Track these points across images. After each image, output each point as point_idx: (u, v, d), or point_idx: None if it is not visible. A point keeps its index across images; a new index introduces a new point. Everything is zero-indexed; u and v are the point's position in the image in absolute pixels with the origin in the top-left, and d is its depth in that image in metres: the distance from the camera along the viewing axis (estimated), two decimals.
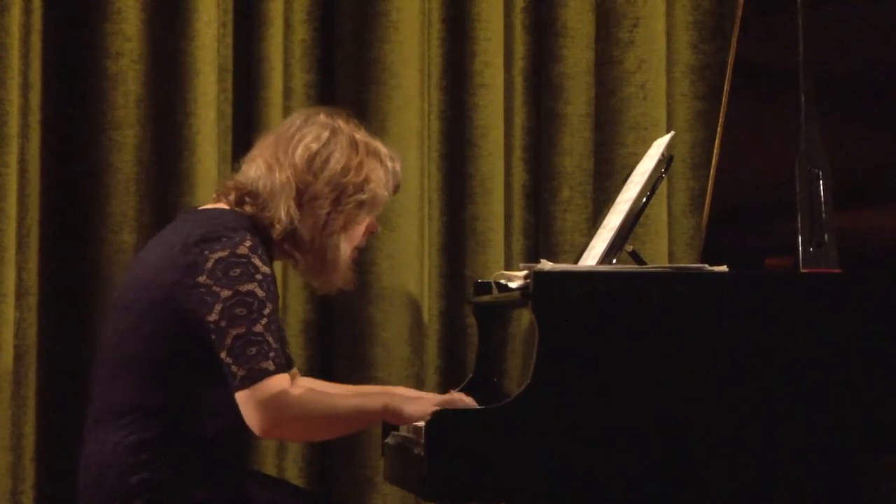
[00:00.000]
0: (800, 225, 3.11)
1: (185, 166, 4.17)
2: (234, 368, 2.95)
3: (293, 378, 3.42)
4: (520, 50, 4.51)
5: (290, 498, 3.25)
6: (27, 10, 4.13)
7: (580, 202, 4.47)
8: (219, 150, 4.23)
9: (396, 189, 3.29)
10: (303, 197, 3.15)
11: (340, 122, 3.21)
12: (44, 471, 4.12)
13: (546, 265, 3.11)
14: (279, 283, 3.47)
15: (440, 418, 2.95)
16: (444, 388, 4.17)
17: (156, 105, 4.20)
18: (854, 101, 3.61)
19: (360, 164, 3.18)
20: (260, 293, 2.98)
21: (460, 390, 3.61)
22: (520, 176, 4.50)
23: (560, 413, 2.97)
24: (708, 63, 4.57)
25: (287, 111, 4.26)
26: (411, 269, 4.32)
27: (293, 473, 4.27)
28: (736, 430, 3.02)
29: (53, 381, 4.14)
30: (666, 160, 3.40)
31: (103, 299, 4.08)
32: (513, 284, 3.26)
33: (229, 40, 4.30)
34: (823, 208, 3.10)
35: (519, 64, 4.51)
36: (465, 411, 3.03)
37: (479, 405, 3.13)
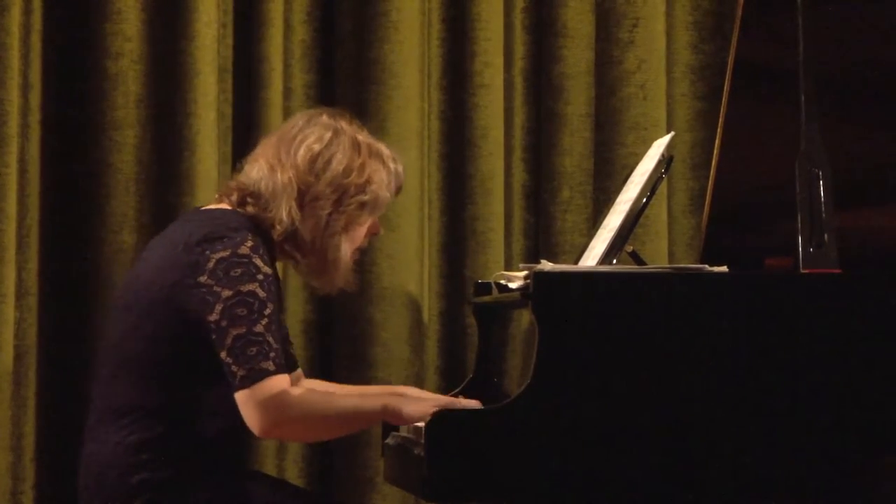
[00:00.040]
0: (800, 225, 3.11)
1: (185, 167, 4.17)
2: (234, 368, 2.95)
3: (297, 379, 3.42)
4: (520, 50, 4.51)
5: (290, 498, 3.25)
6: (27, 10, 4.13)
7: (580, 202, 4.47)
8: (219, 151, 4.23)
9: (398, 190, 3.29)
10: (304, 198, 3.15)
11: (343, 124, 3.21)
12: (44, 471, 4.12)
13: (546, 265, 3.11)
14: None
15: (440, 418, 2.95)
16: (444, 389, 4.17)
17: (156, 105, 4.20)
18: (854, 101, 3.61)
19: (363, 166, 3.18)
20: (261, 293, 2.98)
21: (460, 390, 3.62)
22: (520, 176, 4.51)
23: (560, 413, 2.97)
24: (708, 63, 4.57)
25: (287, 111, 4.26)
26: (411, 270, 4.32)
27: (293, 473, 4.27)
28: (736, 431, 3.02)
29: (53, 381, 4.14)
30: (666, 160, 3.40)
31: (103, 299, 4.08)
32: (513, 285, 3.26)
33: (229, 41, 4.30)
34: (823, 208, 3.10)
35: (519, 64, 4.51)
36: (465, 411, 3.03)
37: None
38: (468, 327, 4.33)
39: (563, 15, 4.48)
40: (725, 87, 3.62)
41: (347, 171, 3.17)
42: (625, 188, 3.45)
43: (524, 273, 3.12)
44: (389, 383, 4.12)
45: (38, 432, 4.11)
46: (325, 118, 3.22)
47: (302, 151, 3.16)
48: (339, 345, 4.32)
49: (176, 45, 4.19)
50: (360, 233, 3.23)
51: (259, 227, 3.11)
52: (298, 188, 3.14)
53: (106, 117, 4.17)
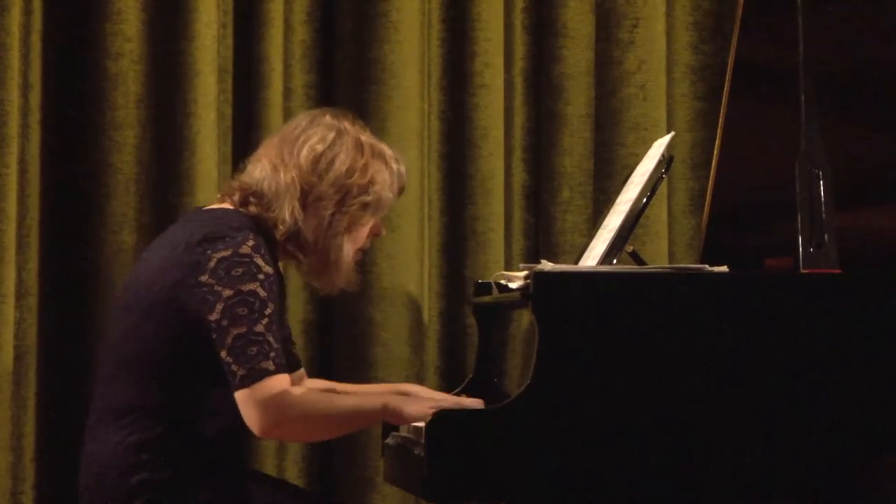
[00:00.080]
0: (800, 225, 3.10)
1: (185, 167, 4.17)
2: (234, 368, 2.95)
3: (300, 379, 3.43)
4: (520, 50, 4.51)
5: (290, 498, 3.25)
6: (27, 11, 4.13)
7: (580, 203, 4.47)
8: (219, 151, 4.23)
9: (401, 191, 3.29)
10: (307, 198, 3.15)
11: (346, 124, 3.21)
12: (44, 471, 4.12)
13: (546, 266, 3.11)
14: None
15: (440, 419, 2.95)
16: (443, 389, 4.16)
17: (156, 105, 4.20)
18: (854, 101, 3.61)
19: (366, 166, 3.18)
20: (262, 293, 2.98)
21: (461, 391, 3.62)
22: (520, 176, 4.51)
23: (560, 413, 2.97)
24: (708, 63, 4.57)
25: (287, 112, 4.27)
26: (411, 270, 4.32)
27: (293, 473, 4.27)
28: (736, 431, 3.02)
29: (53, 381, 4.14)
30: (666, 161, 3.40)
31: (103, 299, 4.08)
32: (513, 285, 3.26)
33: (229, 41, 4.30)
34: (823, 208, 3.10)
35: (519, 64, 4.51)
36: (465, 411, 3.03)
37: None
38: (468, 327, 4.33)
39: (563, 15, 4.48)
40: (725, 87, 3.62)
41: (350, 172, 3.17)
42: (625, 188, 3.45)
43: (524, 273, 3.12)
44: (390, 383, 4.11)
45: (38, 432, 4.11)
46: (328, 118, 3.22)
47: (305, 151, 3.16)
48: (340, 345, 4.32)
49: (176, 45, 4.19)
50: (363, 233, 3.23)
51: (261, 227, 3.11)
52: (301, 188, 3.14)
53: (106, 117, 4.17)
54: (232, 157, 4.23)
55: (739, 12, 3.59)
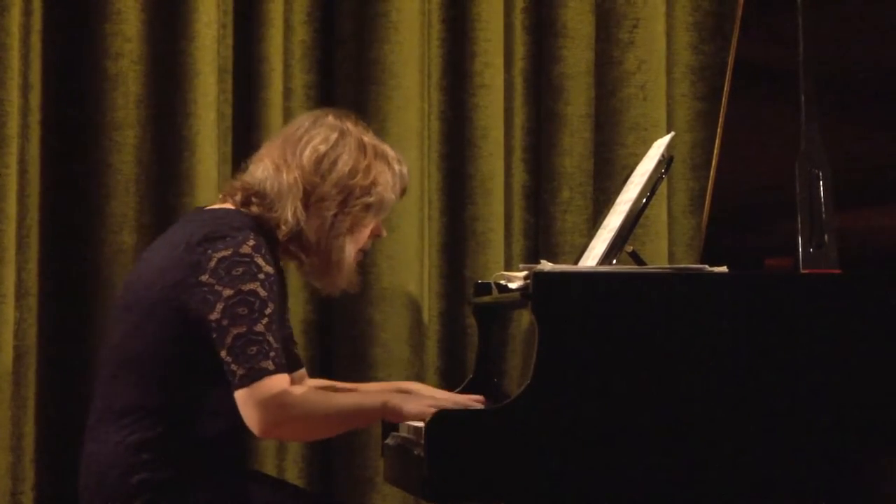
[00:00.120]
0: (800, 225, 3.10)
1: (185, 167, 4.17)
2: (233, 367, 2.95)
3: (301, 379, 3.43)
4: (520, 50, 4.51)
5: (290, 498, 3.25)
6: (27, 11, 4.13)
7: (580, 203, 4.47)
8: (219, 151, 4.23)
9: (403, 192, 3.29)
10: (310, 198, 3.15)
11: (349, 125, 3.21)
12: (44, 471, 4.12)
13: (546, 266, 3.11)
14: None
15: (440, 418, 2.95)
16: (443, 389, 4.16)
17: (156, 106, 4.20)
18: (854, 101, 3.61)
19: (368, 167, 3.18)
20: (262, 293, 2.98)
21: (461, 391, 3.61)
22: (520, 176, 4.51)
23: (560, 413, 2.97)
24: (708, 64, 4.57)
25: (287, 112, 4.27)
26: (411, 270, 4.32)
27: (293, 473, 4.27)
28: (736, 431, 3.02)
29: (53, 381, 4.14)
30: (666, 161, 3.40)
31: (103, 299, 4.08)
32: (513, 285, 3.26)
33: (229, 41, 4.30)
34: (823, 208, 3.10)
35: (519, 64, 4.51)
36: (465, 411, 3.03)
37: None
38: (468, 327, 4.33)
39: (563, 15, 4.48)
40: (725, 88, 3.62)
41: (353, 173, 3.17)
42: (625, 188, 3.45)
43: (524, 273, 3.12)
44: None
45: (38, 432, 4.11)
46: (330, 119, 3.22)
47: (308, 152, 3.16)
48: (340, 345, 4.32)
49: (176, 45, 4.19)
50: (365, 234, 3.23)
51: (263, 227, 3.11)
52: (304, 189, 3.14)
53: (106, 118, 4.17)
54: (232, 157, 4.23)
55: (739, 12, 3.59)
